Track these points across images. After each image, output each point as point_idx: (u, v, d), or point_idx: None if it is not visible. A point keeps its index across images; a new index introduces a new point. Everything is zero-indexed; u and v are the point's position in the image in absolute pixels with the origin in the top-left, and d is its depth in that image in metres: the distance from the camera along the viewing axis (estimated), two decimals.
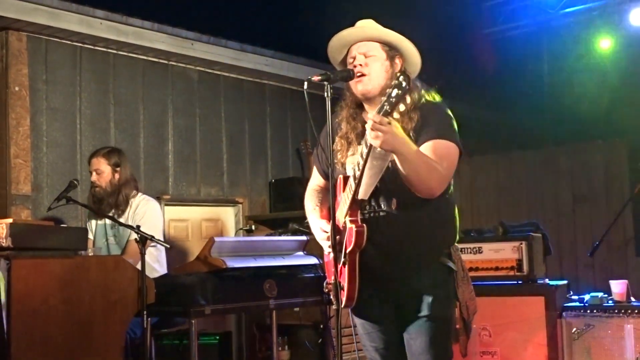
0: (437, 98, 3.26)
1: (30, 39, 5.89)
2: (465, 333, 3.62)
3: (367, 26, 3.25)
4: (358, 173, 2.99)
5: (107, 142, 6.12)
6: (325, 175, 3.45)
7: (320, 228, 3.27)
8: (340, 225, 3.13)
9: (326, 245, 3.26)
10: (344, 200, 3.12)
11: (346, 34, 3.24)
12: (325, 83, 3.03)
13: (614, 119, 7.61)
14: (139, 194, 5.16)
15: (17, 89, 5.77)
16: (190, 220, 7.14)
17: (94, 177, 5.06)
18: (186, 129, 6.99)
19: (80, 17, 5.97)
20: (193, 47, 6.80)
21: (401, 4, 8.26)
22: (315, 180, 3.55)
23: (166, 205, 6.71)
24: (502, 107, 8.75)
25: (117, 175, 5.06)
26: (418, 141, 3.07)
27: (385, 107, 2.79)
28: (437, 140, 3.07)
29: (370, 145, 2.88)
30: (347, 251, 3.04)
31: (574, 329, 5.14)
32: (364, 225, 3.03)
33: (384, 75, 3.17)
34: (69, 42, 6.14)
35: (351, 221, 3.05)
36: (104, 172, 5.06)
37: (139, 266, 4.26)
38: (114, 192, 5.03)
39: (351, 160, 3.20)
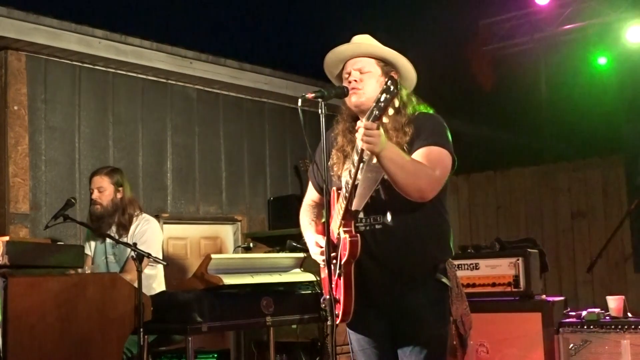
0: (431, 110, 3.29)
1: (30, 58, 5.93)
2: (462, 348, 3.63)
3: (363, 42, 3.28)
4: (350, 182, 2.99)
5: (106, 160, 6.15)
6: (320, 190, 3.44)
7: (315, 242, 3.29)
8: (334, 237, 3.13)
9: (321, 260, 3.27)
10: (337, 211, 3.13)
11: (342, 49, 3.27)
12: (320, 100, 3.05)
13: (612, 135, 7.62)
14: (142, 214, 5.14)
15: (16, 108, 5.80)
16: (189, 239, 7.14)
17: (96, 194, 5.02)
18: (185, 148, 7.01)
19: (80, 37, 6.02)
20: (192, 65, 6.85)
21: (399, 21, 8.32)
22: (310, 195, 3.57)
23: (165, 223, 6.72)
24: (500, 124, 8.77)
25: (118, 195, 5.03)
26: (412, 151, 3.09)
27: (374, 112, 2.81)
28: (428, 147, 3.10)
29: (361, 152, 2.89)
30: (342, 262, 3.04)
31: (571, 345, 5.13)
32: (358, 235, 3.04)
33: (379, 90, 3.19)
34: (68, 62, 6.18)
35: (345, 231, 3.06)
36: (106, 190, 5.02)
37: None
38: (116, 211, 5.00)
39: (347, 174, 3.22)
